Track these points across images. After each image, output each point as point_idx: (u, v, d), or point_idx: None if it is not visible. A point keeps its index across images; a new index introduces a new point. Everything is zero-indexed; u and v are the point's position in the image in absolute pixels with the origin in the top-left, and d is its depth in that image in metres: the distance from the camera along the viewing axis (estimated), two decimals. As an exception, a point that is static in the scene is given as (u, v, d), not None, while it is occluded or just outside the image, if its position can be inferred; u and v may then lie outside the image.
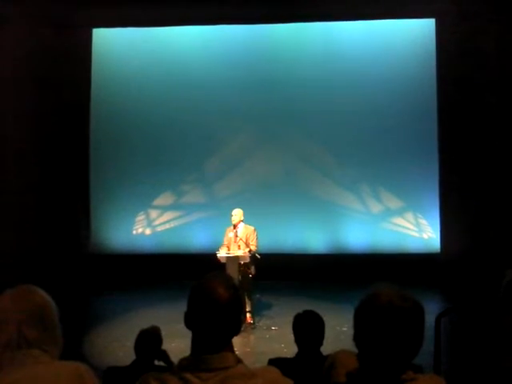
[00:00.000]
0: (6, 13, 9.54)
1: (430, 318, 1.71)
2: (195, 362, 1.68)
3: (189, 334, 1.74)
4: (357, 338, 1.69)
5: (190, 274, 5.59)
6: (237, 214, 7.69)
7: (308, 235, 10.67)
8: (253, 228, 7.72)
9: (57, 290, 2.33)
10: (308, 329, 3.47)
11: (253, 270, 7.52)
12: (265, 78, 10.74)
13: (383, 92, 10.51)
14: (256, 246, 7.60)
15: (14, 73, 9.86)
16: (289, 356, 3.76)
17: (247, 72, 10.78)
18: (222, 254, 7.46)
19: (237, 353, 1.75)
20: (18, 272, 9.06)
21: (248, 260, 7.42)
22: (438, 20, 10.34)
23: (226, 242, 7.67)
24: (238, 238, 7.56)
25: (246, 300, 7.37)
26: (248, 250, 7.42)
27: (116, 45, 11.13)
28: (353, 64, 10.57)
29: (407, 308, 1.64)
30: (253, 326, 7.47)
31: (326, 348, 3.43)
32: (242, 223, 7.69)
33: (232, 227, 7.69)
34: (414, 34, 10.57)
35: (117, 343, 6.76)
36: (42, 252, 10.05)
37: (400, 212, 10.68)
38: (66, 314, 2.14)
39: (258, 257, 7.53)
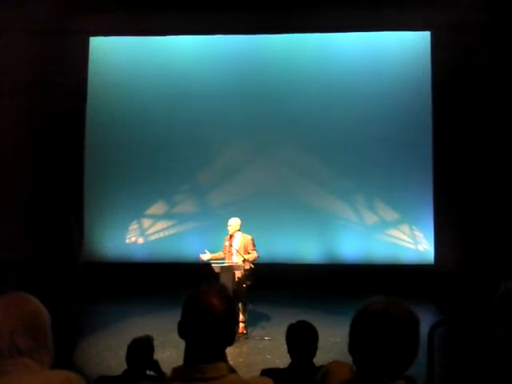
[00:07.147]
0: (2, 20, 9.54)
1: (423, 330, 1.70)
2: (188, 371, 1.67)
3: (182, 343, 1.73)
4: (351, 346, 1.69)
5: (183, 283, 5.58)
6: (232, 223, 7.64)
7: (303, 245, 10.66)
8: (251, 237, 7.67)
9: (50, 298, 2.31)
10: (301, 339, 3.45)
11: (250, 280, 7.50)
12: (259, 88, 10.77)
13: (378, 104, 10.56)
14: (257, 254, 7.57)
15: (10, 81, 9.84)
16: (282, 366, 3.74)
17: (242, 82, 10.82)
18: (216, 263, 7.44)
19: (230, 363, 1.75)
20: (12, 280, 9.00)
21: (245, 270, 7.40)
22: (433, 33, 10.43)
23: (222, 250, 7.68)
24: (232, 247, 7.54)
25: (240, 310, 7.34)
26: (242, 259, 7.40)
27: (113, 53, 11.15)
28: (348, 75, 10.62)
29: (401, 316, 1.64)
30: (246, 336, 7.43)
31: (319, 359, 3.42)
32: (239, 232, 7.63)
33: (228, 236, 7.68)
34: (410, 46, 10.63)
35: (109, 352, 6.70)
36: (35, 260, 9.99)
37: (395, 224, 10.69)
38: (59, 323, 2.12)
39: (253, 266, 7.50)
